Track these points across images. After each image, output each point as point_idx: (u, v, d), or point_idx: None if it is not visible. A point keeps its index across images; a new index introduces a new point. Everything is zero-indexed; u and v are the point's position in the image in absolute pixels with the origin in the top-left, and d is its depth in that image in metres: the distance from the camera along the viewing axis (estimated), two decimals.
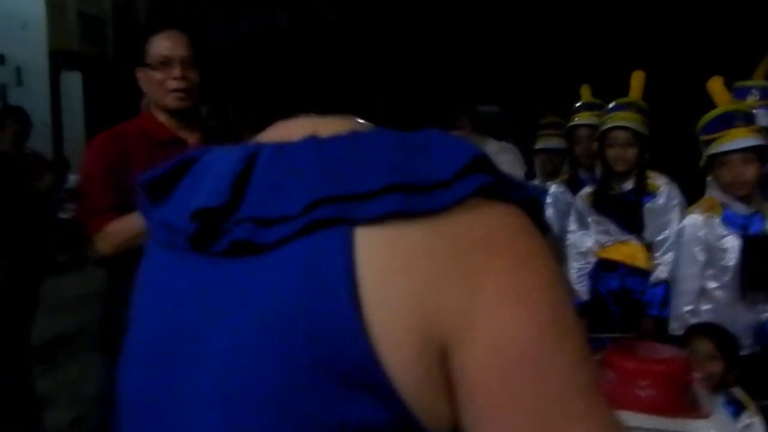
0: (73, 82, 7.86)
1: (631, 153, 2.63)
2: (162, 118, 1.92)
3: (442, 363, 0.45)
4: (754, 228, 2.32)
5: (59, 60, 7.53)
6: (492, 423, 0.45)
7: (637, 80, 2.82)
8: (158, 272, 0.58)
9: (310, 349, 0.45)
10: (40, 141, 5.10)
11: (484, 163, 0.47)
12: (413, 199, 0.46)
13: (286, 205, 0.47)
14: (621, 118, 2.68)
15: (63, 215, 6.74)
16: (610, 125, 2.69)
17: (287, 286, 0.47)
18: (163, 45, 1.88)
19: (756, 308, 2.32)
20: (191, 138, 1.92)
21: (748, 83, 2.85)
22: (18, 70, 7.37)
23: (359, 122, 0.55)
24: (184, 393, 0.51)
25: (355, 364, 0.44)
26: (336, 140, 0.50)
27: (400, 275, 0.45)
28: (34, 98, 6.91)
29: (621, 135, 2.65)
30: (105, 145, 1.88)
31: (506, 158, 3.01)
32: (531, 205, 0.49)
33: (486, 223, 0.47)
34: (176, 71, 1.85)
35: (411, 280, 0.45)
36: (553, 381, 0.45)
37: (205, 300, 0.52)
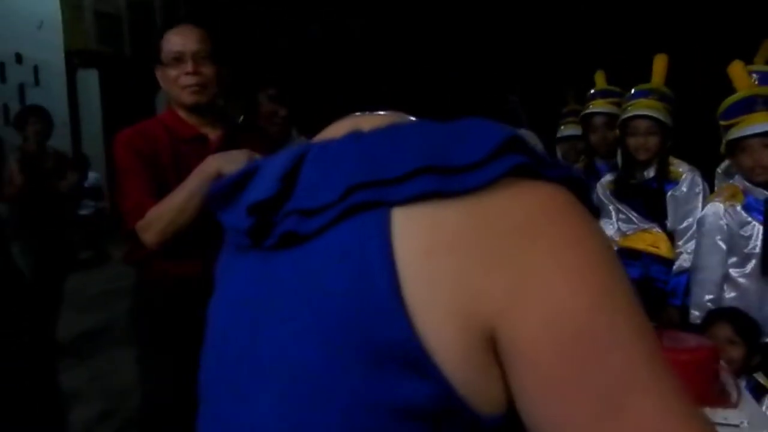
0: (89, 80, 7.92)
1: (652, 141, 2.60)
2: (183, 114, 1.91)
3: (488, 343, 0.45)
4: None
5: (76, 59, 7.58)
6: (548, 401, 0.44)
7: (659, 64, 2.76)
8: (226, 272, 0.63)
9: (354, 329, 0.46)
10: (58, 140, 5.16)
11: (517, 144, 0.47)
12: (446, 180, 0.46)
13: (326, 194, 0.49)
14: (642, 106, 2.64)
15: (83, 212, 6.82)
16: (631, 113, 2.64)
17: (329, 269, 0.48)
18: (174, 41, 1.86)
19: None
20: (213, 134, 1.92)
21: (748, 68, 2.81)
22: (35, 70, 7.44)
23: (401, 116, 0.57)
24: (247, 382, 0.54)
25: (395, 341, 0.45)
26: (374, 132, 0.52)
27: (437, 255, 0.46)
28: (52, 97, 6.98)
29: (642, 124, 2.61)
30: (133, 139, 1.86)
31: None
32: (575, 184, 0.49)
33: (524, 202, 0.47)
34: (188, 66, 1.83)
35: (449, 260, 0.45)
36: (611, 353, 0.43)
37: (261, 292, 0.55)
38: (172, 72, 1.86)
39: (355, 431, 0.47)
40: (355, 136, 0.52)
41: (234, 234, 0.59)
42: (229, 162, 1.73)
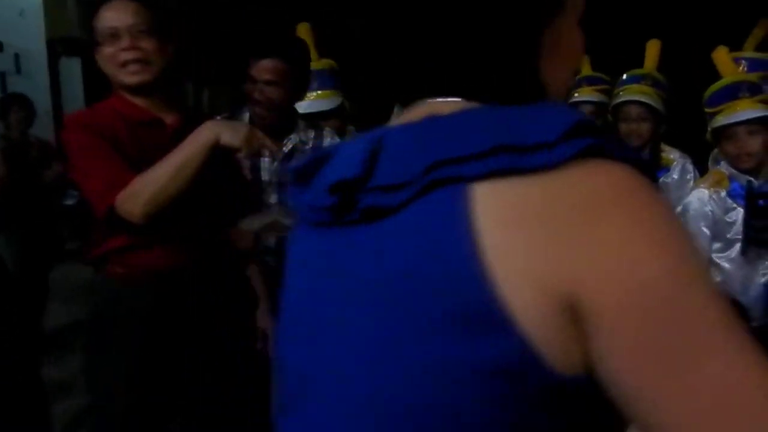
0: (72, 68, 7.80)
1: (645, 128, 2.62)
2: (130, 98, 1.76)
3: (568, 308, 0.48)
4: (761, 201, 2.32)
5: (58, 46, 7.48)
6: (628, 364, 0.47)
7: (652, 50, 2.77)
8: (303, 248, 0.67)
9: (437, 294, 0.50)
10: (41, 128, 5.09)
11: (589, 127, 0.50)
12: (522, 158, 0.50)
13: (408, 171, 0.54)
14: (635, 92, 2.65)
15: (68, 202, 6.75)
16: (623, 99, 2.66)
17: (411, 239, 0.53)
18: (107, 17, 1.70)
19: (761, 272, 2.31)
20: (169, 118, 1.78)
21: (738, 54, 2.82)
22: (16, 58, 7.32)
23: (474, 104, 0.60)
24: (328, 349, 0.59)
25: (476, 304, 0.49)
26: (450, 116, 0.56)
27: (514, 228, 0.49)
28: (34, 86, 6.87)
29: (634, 109, 2.63)
30: (88, 120, 1.73)
31: None
32: (642, 165, 0.52)
33: (599, 177, 0.50)
34: (124, 42, 1.67)
35: (525, 232, 0.49)
36: (689, 316, 0.46)
37: (342, 263, 0.60)
38: (108, 49, 1.70)
39: (436, 389, 0.51)
40: (434, 119, 0.57)
41: (310, 212, 0.63)
42: (229, 130, 1.62)
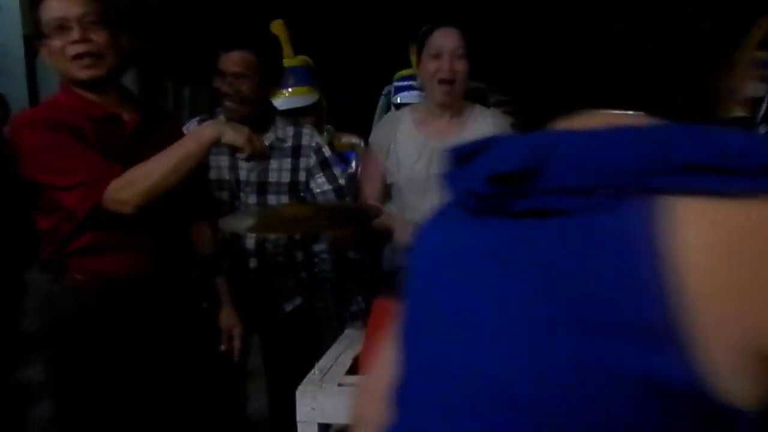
0: (50, 65, 7.72)
1: None
2: (84, 94, 1.68)
3: (756, 344, 0.47)
4: None
5: (36, 43, 7.41)
6: None
7: None
8: (444, 228, 0.67)
9: (614, 303, 0.49)
10: None
11: None
12: (724, 180, 0.48)
13: (593, 177, 0.53)
14: None
15: None
16: None
17: (594, 244, 0.52)
18: (53, 7, 1.60)
19: None
20: (126, 115, 1.72)
21: None
22: None
23: (649, 118, 0.59)
24: (472, 345, 0.58)
25: (659, 318, 0.47)
26: (635, 128, 0.55)
27: (717, 252, 0.48)
28: (11, 83, 6.78)
29: None
30: (47, 116, 1.65)
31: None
32: None
33: None
34: (75, 34, 1.59)
35: (728, 260, 0.47)
36: None
37: (492, 254, 0.58)
38: (56, 42, 1.61)
39: (594, 395, 0.50)
40: (618, 129, 0.55)
41: (461, 194, 0.63)
42: (232, 130, 1.59)
